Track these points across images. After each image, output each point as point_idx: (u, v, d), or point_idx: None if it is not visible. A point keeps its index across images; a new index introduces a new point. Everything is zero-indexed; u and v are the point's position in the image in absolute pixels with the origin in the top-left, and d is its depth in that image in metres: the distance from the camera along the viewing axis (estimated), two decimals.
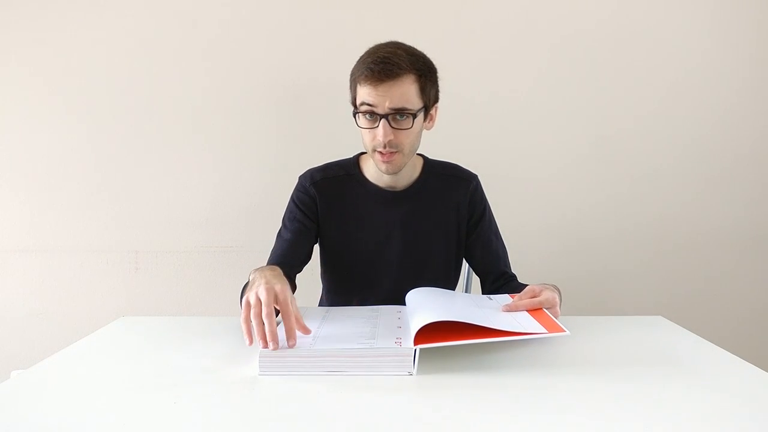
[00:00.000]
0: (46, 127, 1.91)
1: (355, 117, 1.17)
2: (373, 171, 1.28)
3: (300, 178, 1.34)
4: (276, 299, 0.90)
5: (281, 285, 0.92)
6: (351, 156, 1.35)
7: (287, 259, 1.23)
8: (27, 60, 1.89)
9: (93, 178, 1.93)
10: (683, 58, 1.95)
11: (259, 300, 0.88)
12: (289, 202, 1.33)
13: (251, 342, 0.87)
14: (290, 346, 0.86)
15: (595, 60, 1.94)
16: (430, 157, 1.35)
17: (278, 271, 1.02)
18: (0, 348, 1.96)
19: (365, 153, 1.31)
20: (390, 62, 1.10)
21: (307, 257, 1.30)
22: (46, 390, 0.81)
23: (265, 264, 1.22)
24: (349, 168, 1.32)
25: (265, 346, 0.86)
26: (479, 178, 1.37)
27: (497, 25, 1.92)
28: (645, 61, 1.95)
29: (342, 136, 1.88)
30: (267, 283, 0.91)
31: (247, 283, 1.14)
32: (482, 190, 1.37)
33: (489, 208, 1.37)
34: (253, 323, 0.87)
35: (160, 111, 1.92)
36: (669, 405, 0.75)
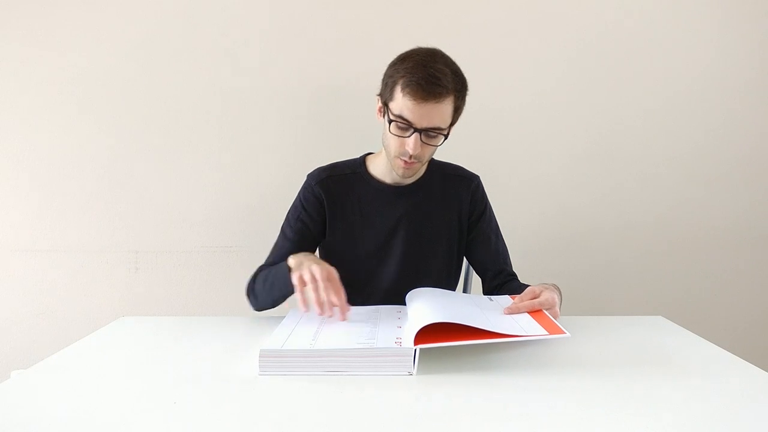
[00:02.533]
0: (46, 127, 1.91)
1: (388, 123, 1.16)
2: (380, 169, 1.31)
3: (307, 176, 1.36)
4: (329, 276, 1.01)
5: (329, 266, 1.03)
6: (357, 157, 1.38)
7: (297, 250, 1.26)
8: (27, 60, 1.88)
9: (93, 178, 1.93)
10: (685, 58, 1.95)
11: (313, 275, 1.00)
12: (296, 200, 1.35)
13: (322, 311, 0.99)
14: (343, 319, 1.01)
15: (596, 59, 1.94)
16: (435, 158, 1.38)
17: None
18: (0, 348, 1.96)
19: (372, 153, 1.37)
20: (440, 84, 1.10)
21: (314, 247, 1.34)
22: (46, 390, 0.81)
23: (266, 258, 1.30)
24: (356, 167, 1.35)
25: (321, 313, 0.98)
26: (480, 178, 1.40)
27: (497, 24, 1.92)
28: (646, 61, 1.95)
29: (343, 137, 1.90)
30: (317, 263, 1.03)
31: (254, 279, 1.23)
32: (484, 189, 1.40)
33: (490, 207, 1.40)
34: (312, 294, 0.99)
35: (161, 111, 1.92)
36: (669, 405, 0.75)
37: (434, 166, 1.37)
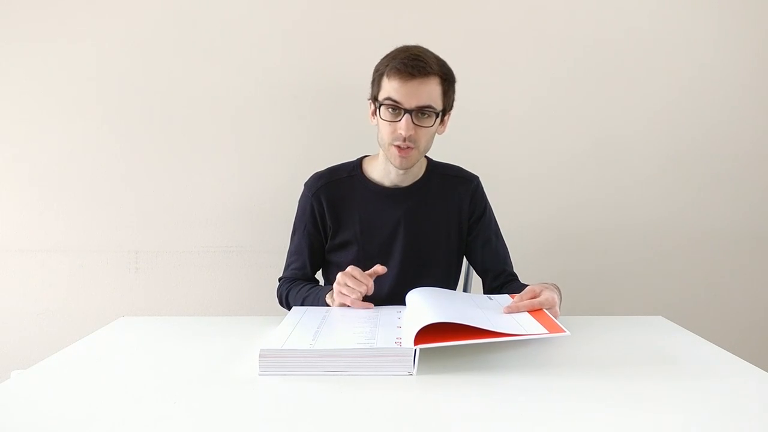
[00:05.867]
0: (46, 128, 1.90)
1: (377, 109, 1.19)
2: (378, 171, 1.31)
3: (304, 186, 1.38)
4: (356, 279, 1.11)
5: (350, 273, 1.12)
6: (354, 159, 1.38)
7: (309, 264, 1.36)
8: (27, 60, 1.88)
9: (93, 178, 1.93)
10: (684, 59, 1.95)
11: (349, 274, 1.10)
12: (298, 210, 1.38)
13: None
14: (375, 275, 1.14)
15: (596, 60, 1.94)
16: (434, 159, 1.38)
17: None
18: (0, 348, 1.96)
19: (368, 156, 1.37)
20: (422, 60, 1.14)
21: (322, 258, 1.39)
22: (46, 390, 0.81)
23: (284, 267, 1.39)
24: (352, 170, 1.35)
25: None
26: (480, 179, 1.40)
27: (497, 25, 1.92)
28: (646, 62, 1.95)
29: (343, 137, 1.90)
30: (344, 280, 1.11)
31: (286, 299, 1.33)
32: (483, 190, 1.40)
33: (490, 208, 1.40)
34: (352, 287, 1.10)
35: (161, 111, 1.92)
36: (669, 405, 0.75)
37: (433, 167, 1.36)
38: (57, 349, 0.98)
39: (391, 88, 1.16)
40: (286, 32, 1.90)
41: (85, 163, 1.92)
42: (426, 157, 1.35)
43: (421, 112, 1.16)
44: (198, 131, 1.93)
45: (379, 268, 1.15)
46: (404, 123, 1.15)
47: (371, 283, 1.12)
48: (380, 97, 1.18)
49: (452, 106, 1.26)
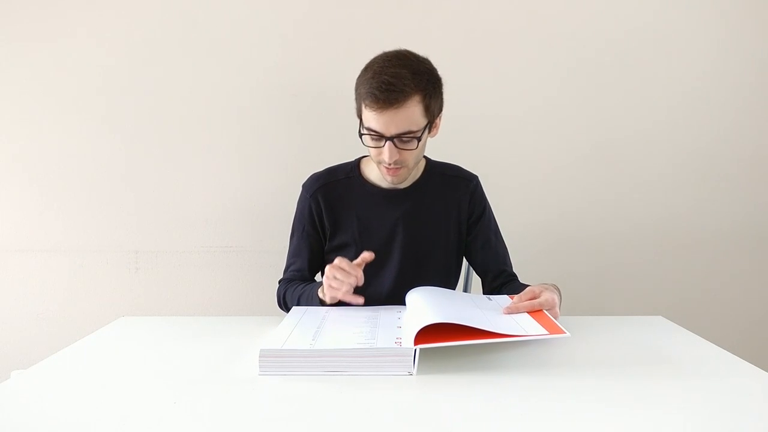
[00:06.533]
0: (46, 128, 1.90)
1: (360, 136, 1.18)
2: (376, 172, 1.31)
3: (302, 187, 1.37)
4: (345, 272, 1.07)
5: (337, 266, 1.08)
6: (353, 159, 1.37)
7: (309, 265, 1.35)
8: (27, 60, 1.88)
9: (93, 178, 1.93)
10: (685, 60, 1.95)
11: (340, 287, 1.06)
12: (296, 211, 1.37)
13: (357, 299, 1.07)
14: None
15: (597, 61, 1.94)
16: (432, 159, 1.37)
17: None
18: (0, 348, 1.96)
19: (366, 157, 1.36)
20: (394, 88, 1.09)
21: (322, 259, 1.37)
22: (46, 390, 0.81)
23: (284, 269, 1.37)
24: (350, 171, 1.34)
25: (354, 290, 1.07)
26: (479, 179, 1.39)
27: (497, 25, 1.92)
28: (647, 63, 1.94)
29: (342, 137, 1.89)
30: (332, 275, 1.07)
31: (284, 299, 1.33)
32: (482, 190, 1.39)
33: (489, 207, 1.40)
34: (341, 279, 1.06)
35: (161, 111, 1.92)
36: (669, 405, 0.75)
37: (432, 167, 1.36)
38: (57, 349, 0.98)
39: (369, 116, 1.13)
40: (286, 32, 1.90)
41: (85, 163, 1.92)
42: (425, 156, 1.35)
43: (402, 137, 1.14)
44: (198, 131, 1.93)
45: (366, 255, 1.12)
46: (386, 150, 1.14)
47: (360, 274, 1.09)
48: (363, 123, 1.16)
49: (441, 109, 1.22)
